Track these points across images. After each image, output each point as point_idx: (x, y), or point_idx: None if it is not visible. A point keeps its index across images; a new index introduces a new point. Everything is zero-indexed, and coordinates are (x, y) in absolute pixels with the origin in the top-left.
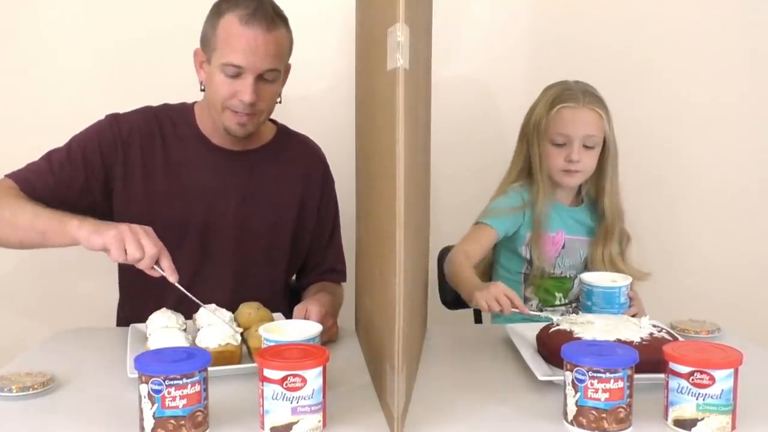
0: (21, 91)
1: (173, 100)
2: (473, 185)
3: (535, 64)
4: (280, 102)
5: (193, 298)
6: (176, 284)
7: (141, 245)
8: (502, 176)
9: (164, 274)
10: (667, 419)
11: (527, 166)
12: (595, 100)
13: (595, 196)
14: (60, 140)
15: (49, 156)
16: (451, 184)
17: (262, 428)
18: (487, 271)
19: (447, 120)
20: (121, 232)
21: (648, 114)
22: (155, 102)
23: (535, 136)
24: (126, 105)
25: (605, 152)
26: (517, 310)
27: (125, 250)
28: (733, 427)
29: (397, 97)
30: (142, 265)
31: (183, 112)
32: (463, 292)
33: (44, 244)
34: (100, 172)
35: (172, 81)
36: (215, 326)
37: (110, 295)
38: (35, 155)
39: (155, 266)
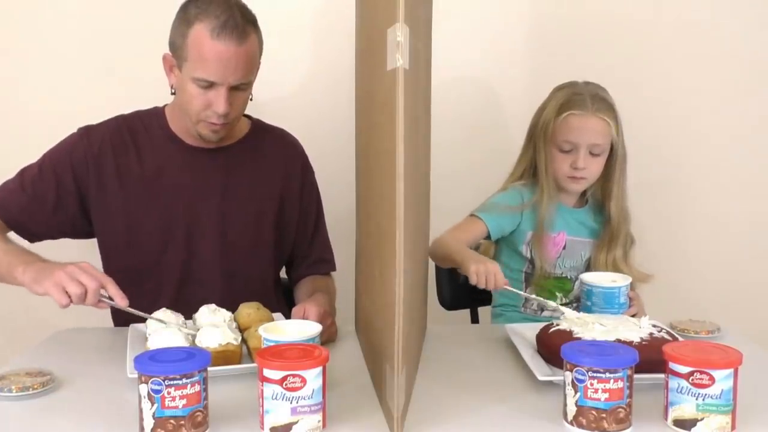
0: (15, 90)
1: (162, 98)
2: (473, 186)
3: (536, 63)
4: (251, 99)
5: (145, 315)
6: (128, 309)
7: (81, 283)
8: (502, 177)
9: (113, 303)
10: (667, 419)
11: (532, 167)
12: (605, 106)
13: (602, 199)
14: (50, 138)
15: (22, 174)
16: (451, 185)
17: (262, 428)
18: None
19: (447, 120)
20: (57, 277)
21: (647, 114)
22: (147, 101)
23: (542, 139)
24: (120, 103)
25: (613, 157)
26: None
27: (67, 294)
28: (733, 427)
29: (397, 97)
30: (88, 302)
31: (155, 116)
32: (456, 258)
33: (4, 281)
34: (73, 189)
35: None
36: (215, 326)
37: None
38: (21, 153)
39: (103, 299)
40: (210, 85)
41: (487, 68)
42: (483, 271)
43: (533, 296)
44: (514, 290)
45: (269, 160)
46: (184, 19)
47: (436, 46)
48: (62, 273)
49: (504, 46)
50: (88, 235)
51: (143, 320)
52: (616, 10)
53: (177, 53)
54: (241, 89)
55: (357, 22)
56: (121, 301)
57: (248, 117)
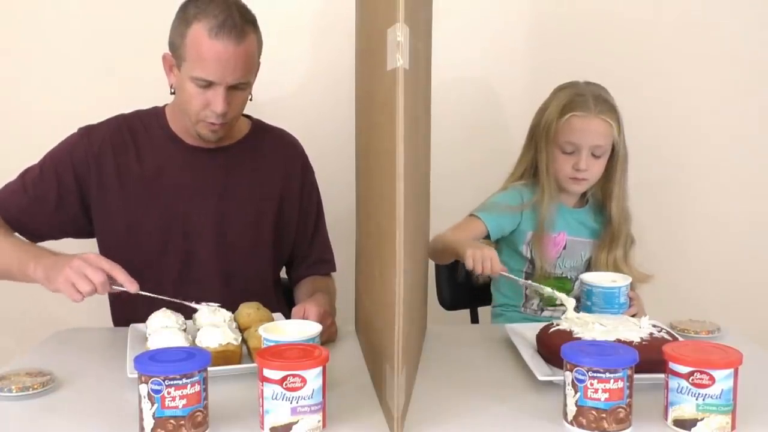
0: (16, 90)
1: (162, 98)
2: (473, 186)
3: (537, 63)
4: (251, 100)
5: (158, 296)
6: (140, 292)
7: (88, 279)
8: (502, 177)
9: (124, 289)
10: (667, 419)
11: (533, 167)
12: (607, 107)
13: (603, 200)
14: (51, 138)
15: (24, 175)
16: (451, 185)
17: (262, 428)
18: None
19: (447, 120)
20: (66, 274)
21: (647, 114)
22: (147, 101)
23: (543, 139)
24: (120, 103)
25: (614, 157)
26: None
27: (78, 290)
28: (733, 427)
29: (396, 97)
30: (99, 293)
31: (155, 116)
32: (454, 246)
33: (12, 279)
34: (74, 188)
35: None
36: (215, 326)
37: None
38: (22, 153)
39: (114, 286)
40: (208, 85)
41: (487, 68)
42: (479, 256)
43: (529, 282)
44: (512, 276)
45: (269, 160)
46: (183, 19)
47: (436, 46)
48: (69, 270)
49: (504, 46)
50: (89, 235)
51: (144, 319)
52: (616, 9)
53: (176, 53)
54: (239, 89)
55: (357, 22)
56: (131, 287)
57: (248, 117)
